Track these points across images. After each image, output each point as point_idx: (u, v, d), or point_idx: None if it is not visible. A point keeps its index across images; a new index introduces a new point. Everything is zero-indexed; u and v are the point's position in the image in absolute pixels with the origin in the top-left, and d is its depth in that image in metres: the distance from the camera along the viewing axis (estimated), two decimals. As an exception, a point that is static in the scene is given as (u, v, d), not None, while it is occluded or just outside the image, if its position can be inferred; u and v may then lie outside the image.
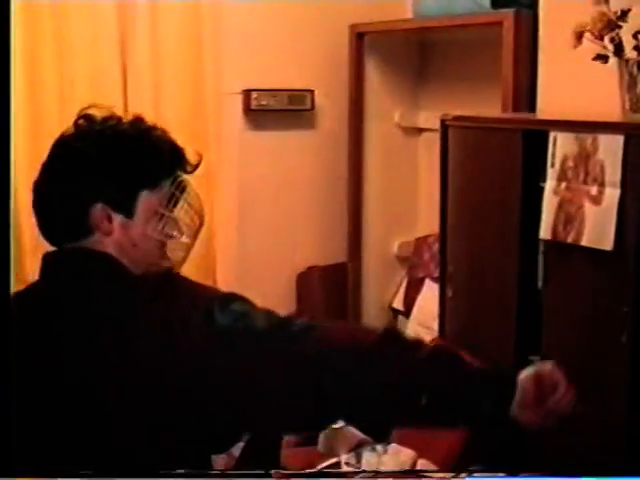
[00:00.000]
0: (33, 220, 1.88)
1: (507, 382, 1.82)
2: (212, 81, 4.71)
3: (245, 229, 4.76)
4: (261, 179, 4.90)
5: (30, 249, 4.29)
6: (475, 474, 1.85)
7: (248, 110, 4.93)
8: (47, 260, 1.85)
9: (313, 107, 5.15)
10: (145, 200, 1.83)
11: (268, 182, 4.99)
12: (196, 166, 1.93)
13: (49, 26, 4.27)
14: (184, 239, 1.90)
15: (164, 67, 4.56)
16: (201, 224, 1.96)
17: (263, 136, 5.00)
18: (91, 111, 1.86)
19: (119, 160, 1.79)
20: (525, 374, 1.80)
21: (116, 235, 1.81)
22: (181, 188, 1.87)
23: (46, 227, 1.85)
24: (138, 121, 1.87)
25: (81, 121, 1.86)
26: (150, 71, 4.51)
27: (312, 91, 5.12)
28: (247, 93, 4.91)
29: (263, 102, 4.94)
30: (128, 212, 1.82)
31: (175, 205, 1.86)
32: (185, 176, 1.91)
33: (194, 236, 1.95)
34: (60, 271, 1.83)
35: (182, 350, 1.69)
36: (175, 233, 1.87)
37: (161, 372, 1.68)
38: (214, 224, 4.44)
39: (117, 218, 1.81)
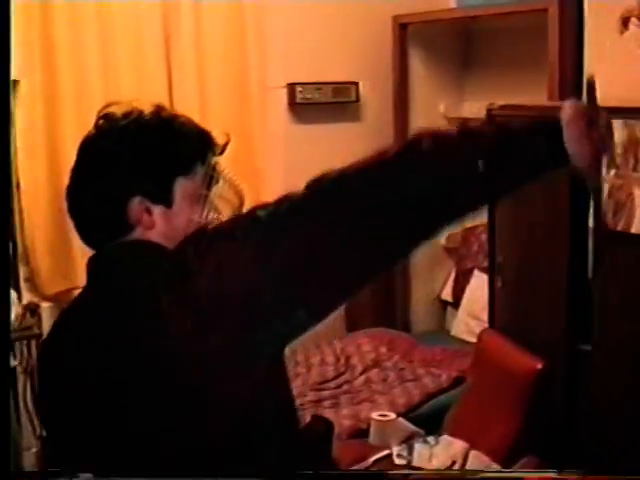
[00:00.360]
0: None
1: (553, 121, 1.74)
2: (257, 75, 4.73)
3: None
4: (307, 172, 4.85)
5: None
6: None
7: (293, 103, 4.94)
8: (93, 263, 1.82)
9: (358, 99, 5.14)
10: (181, 186, 1.80)
11: (314, 175, 4.98)
12: (224, 146, 1.91)
13: (94, 23, 4.31)
14: (224, 218, 1.88)
15: (209, 62, 4.58)
16: (241, 203, 1.94)
17: (308, 129, 5.01)
18: (110, 109, 1.85)
19: (148, 151, 1.77)
20: (565, 113, 1.73)
21: (159, 227, 1.78)
22: (215, 169, 1.86)
23: (85, 231, 1.83)
24: (160, 111, 1.85)
25: (101, 121, 1.83)
26: (195, 66, 4.54)
27: (357, 83, 5.12)
28: (292, 87, 4.92)
29: (308, 95, 4.95)
30: (167, 201, 1.79)
31: (211, 186, 1.85)
32: (217, 158, 1.89)
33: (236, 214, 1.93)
34: (109, 268, 1.80)
35: None
36: (215, 214, 1.85)
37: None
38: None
39: (157, 209, 1.78)
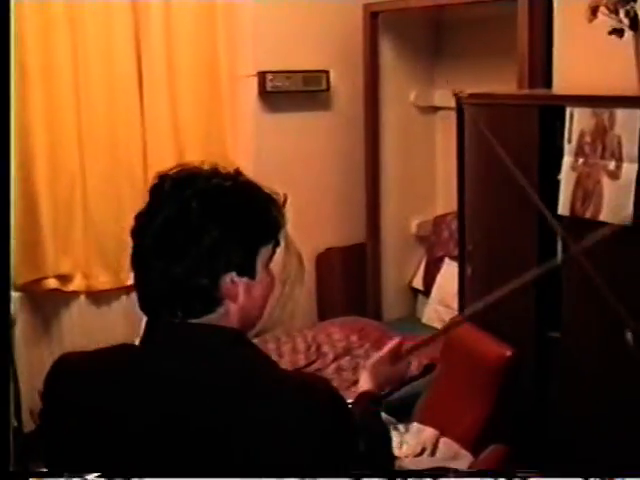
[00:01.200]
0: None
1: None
2: (227, 64, 4.71)
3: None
4: (277, 161, 4.90)
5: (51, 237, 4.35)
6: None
7: (263, 92, 4.93)
8: (164, 330, 1.68)
9: (328, 88, 5.14)
10: (261, 257, 1.70)
11: (284, 164, 4.98)
12: (284, 204, 1.78)
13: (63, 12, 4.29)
14: (287, 290, 1.81)
15: (178, 50, 4.57)
16: (301, 264, 1.86)
17: (279, 118, 5.00)
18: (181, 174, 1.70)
19: (239, 224, 1.66)
20: None
21: (241, 300, 1.66)
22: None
23: (163, 302, 1.67)
24: (238, 175, 1.73)
25: (189, 191, 1.66)
26: (164, 55, 4.52)
27: (327, 72, 5.11)
28: (262, 75, 4.90)
29: (278, 84, 4.94)
30: (251, 274, 1.68)
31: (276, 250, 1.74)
32: None
33: (298, 285, 1.85)
34: (190, 350, 1.65)
35: None
36: (284, 286, 1.78)
37: None
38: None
39: (242, 282, 1.66)
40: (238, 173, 1.73)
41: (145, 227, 1.65)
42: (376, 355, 2.34)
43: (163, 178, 1.69)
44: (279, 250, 1.75)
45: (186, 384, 1.60)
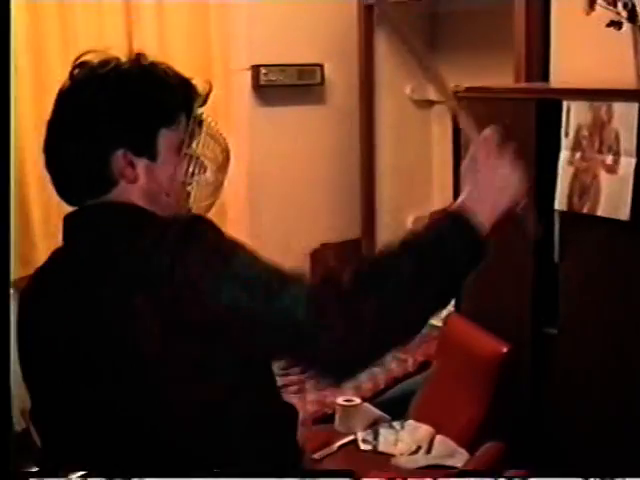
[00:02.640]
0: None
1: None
2: (220, 57, 4.67)
3: (257, 206, 4.73)
4: (272, 155, 4.86)
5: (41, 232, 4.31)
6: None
7: (257, 86, 4.89)
8: (69, 222, 1.73)
9: (323, 81, 5.10)
10: (166, 139, 1.72)
11: (279, 158, 4.95)
12: (207, 96, 1.82)
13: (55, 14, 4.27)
14: (208, 175, 1.80)
15: (172, 45, 4.53)
16: (227, 159, 1.86)
17: (273, 112, 4.97)
18: (86, 58, 1.74)
19: (130, 101, 1.69)
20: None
21: (142, 181, 1.70)
22: (199, 122, 1.78)
23: (64, 187, 1.73)
24: (139, 59, 1.75)
25: (77, 70, 1.73)
26: (157, 49, 4.47)
27: (322, 65, 5.07)
28: (256, 69, 4.87)
29: (272, 77, 4.90)
30: (151, 154, 1.70)
31: (193, 139, 1.77)
32: (200, 110, 1.80)
33: (221, 172, 1.85)
34: (86, 230, 1.71)
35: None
36: (198, 170, 1.77)
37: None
38: (225, 201, 4.40)
39: (141, 162, 1.69)
40: (140, 56, 1.77)
41: (51, 114, 1.74)
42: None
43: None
44: (202, 142, 1.81)
45: (96, 263, 1.65)
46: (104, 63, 1.72)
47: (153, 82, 1.74)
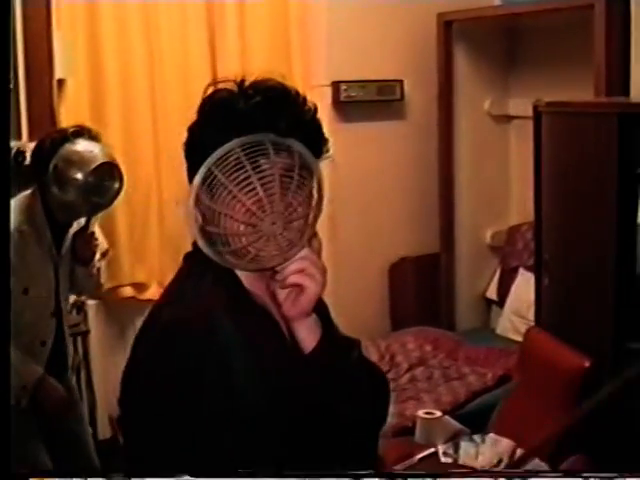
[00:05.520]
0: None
1: None
2: (301, 73, 4.73)
3: (337, 221, 4.77)
4: (352, 171, 4.90)
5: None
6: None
7: (338, 102, 4.94)
8: None
9: (402, 97, 5.13)
10: None
11: (359, 174, 4.98)
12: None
13: (139, 20, 4.36)
14: None
15: (253, 61, 4.59)
16: None
17: (353, 127, 5.00)
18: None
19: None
20: None
21: None
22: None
23: None
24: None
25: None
26: (239, 65, 4.55)
27: (401, 81, 5.10)
28: (336, 85, 4.91)
29: (352, 93, 4.94)
30: None
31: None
32: None
33: None
34: None
35: None
36: None
37: None
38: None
39: None
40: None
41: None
42: None
43: None
44: None
45: None
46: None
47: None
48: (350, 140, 4.92)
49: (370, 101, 5.03)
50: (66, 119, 4.16)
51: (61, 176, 3.17)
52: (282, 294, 1.69)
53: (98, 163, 3.22)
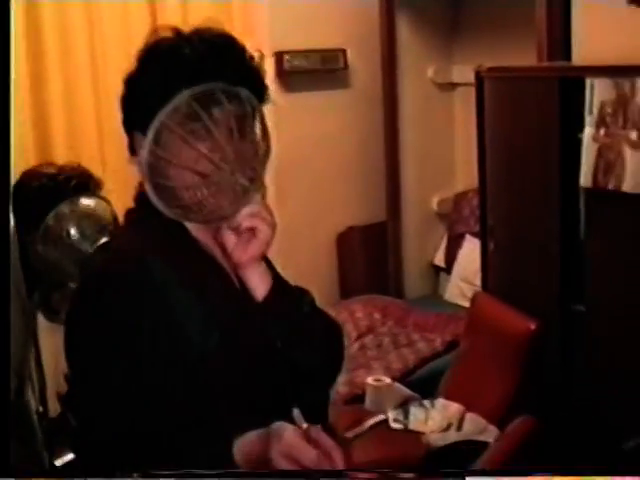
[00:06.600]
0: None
1: None
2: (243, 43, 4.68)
3: (283, 192, 4.76)
4: (297, 141, 4.89)
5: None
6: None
7: (281, 72, 4.91)
8: None
9: (346, 66, 5.13)
10: None
11: (304, 143, 4.98)
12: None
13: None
14: None
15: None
16: None
17: (298, 97, 4.99)
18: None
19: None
20: None
21: None
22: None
23: None
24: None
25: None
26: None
27: (344, 50, 5.09)
28: (279, 55, 4.89)
29: (296, 63, 4.92)
30: None
31: None
32: None
33: None
34: None
35: None
36: None
37: None
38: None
39: None
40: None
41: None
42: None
43: None
44: None
45: None
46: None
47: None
48: (295, 110, 4.91)
49: (314, 70, 5.02)
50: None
51: (52, 234, 2.73)
52: (231, 242, 1.68)
53: (101, 225, 2.78)
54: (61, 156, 3.96)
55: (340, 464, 1.48)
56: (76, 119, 4.28)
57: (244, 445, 1.52)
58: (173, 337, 1.61)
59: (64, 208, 2.70)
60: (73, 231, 2.68)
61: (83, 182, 2.75)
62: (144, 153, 1.60)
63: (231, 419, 1.61)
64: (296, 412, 1.54)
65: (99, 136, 4.37)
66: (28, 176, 2.80)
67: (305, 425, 1.52)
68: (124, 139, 1.74)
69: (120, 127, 1.74)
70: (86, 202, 2.74)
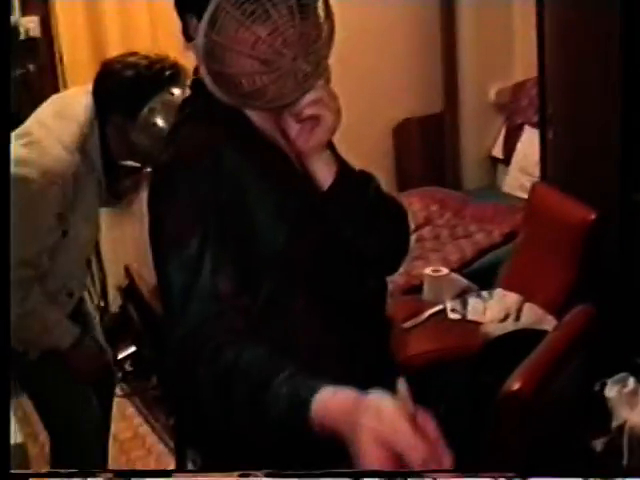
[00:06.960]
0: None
1: None
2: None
3: (339, 83, 4.71)
4: (354, 32, 4.82)
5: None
6: None
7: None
8: None
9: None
10: None
11: (360, 34, 4.91)
12: None
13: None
14: None
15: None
16: None
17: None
18: None
19: None
20: None
21: None
22: None
23: None
24: None
25: None
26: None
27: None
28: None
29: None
30: None
31: None
32: None
33: None
34: None
35: None
36: None
37: None
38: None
39: None
40: None
41: None
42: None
43: None
44: None
45: None
46: None
47: None
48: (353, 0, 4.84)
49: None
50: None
51: (146, 121, 2.71)
52: (294, 129, 1.63)
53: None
54: (115, 48, 3.98)
55: (448, 465, 1.18)
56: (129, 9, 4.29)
57: (329, 399, 1.29)
58: (246, 224, 1.59)
59: (158, 99, 2.70)
60: (161, 122, 2.68)
61: (176, 72, 2.72)
62: (199, 38, 1.53)
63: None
64: (402, 383, 1.24)
65: (152, 26, 4.38)
66: (120, 65, 2.75)
67: (410, 404, 1.21)
68: (177, 26, 1.67)
69: (173, 14, 1.67)
70: (177, 92, 2.72)
